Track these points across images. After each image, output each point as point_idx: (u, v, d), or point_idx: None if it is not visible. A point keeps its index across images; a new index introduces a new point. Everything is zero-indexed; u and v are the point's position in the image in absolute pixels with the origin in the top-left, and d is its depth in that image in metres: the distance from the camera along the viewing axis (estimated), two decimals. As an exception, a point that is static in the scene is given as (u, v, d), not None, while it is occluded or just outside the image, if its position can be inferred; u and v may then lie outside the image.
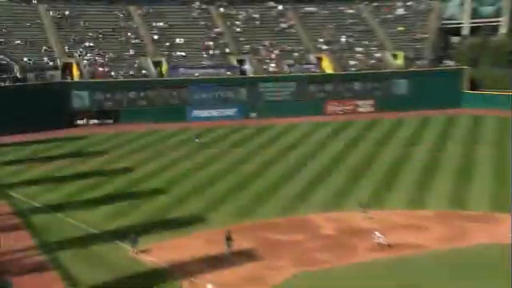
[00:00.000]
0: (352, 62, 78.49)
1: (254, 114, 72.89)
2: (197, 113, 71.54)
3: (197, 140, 59.26)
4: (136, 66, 72.88)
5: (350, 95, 75.95)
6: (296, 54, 78.46)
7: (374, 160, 52.46)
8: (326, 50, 79.74)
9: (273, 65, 76.41)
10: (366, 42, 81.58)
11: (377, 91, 76.40)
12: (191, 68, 73.66)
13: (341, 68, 77.70)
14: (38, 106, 62.90)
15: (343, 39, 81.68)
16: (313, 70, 76.95)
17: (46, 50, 71.85)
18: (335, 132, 64.61)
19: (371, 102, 76.04)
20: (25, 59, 68.94)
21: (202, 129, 65.44)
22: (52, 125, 63.73)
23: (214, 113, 71.95)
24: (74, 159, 53.63)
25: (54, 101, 64.96)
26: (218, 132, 65.07)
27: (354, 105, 75.86)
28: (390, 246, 33.43)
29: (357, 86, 76.04)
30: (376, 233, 34.00)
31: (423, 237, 35.14)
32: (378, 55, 79.90)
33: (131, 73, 71.69)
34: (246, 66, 76.52)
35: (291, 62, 76.99)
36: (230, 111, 72.59)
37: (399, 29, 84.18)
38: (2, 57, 67.83)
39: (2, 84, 64.79)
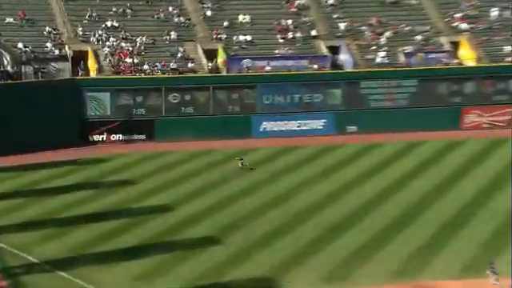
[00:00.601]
0: (507, 49, 77.74)
1: (353, 128, 73.37)
2: (267, 125, 72.58)
3: (242, 162, 60.34)
4: (180, 55, 74.45)
5: (504, 100, 75.51)
6: (418, 38, 78.43)
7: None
8: (465, 30, 79.43)
9: (382, 54, 76.63)
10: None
11: (547, 94, 75.83)
12: (260, 59, 74.73)
13: (489, 58, 77.15)
14: (38, 115, 64.88)
15: (494, 13, 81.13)
16: (445, 61, 76.71)
17: (49, 32, 73.77)
18: (477, 156, 64.12)
19: (536, 110, 75.41)
20: (19, 45, 70.76)
21: (275, 149, 66.27)
22: (58, 141, 64.98)
23: (293, 125, 72.81)
24: (89, 192, 55.03)
25: (61, 106, 66.59)
26: (298, 154, 65.59)
27: (509, 115, 75.20)
28: None
29: (515, 85, 75.63)
30: None
31: None
32: (550, 38, 79.07)
33: (172, 66, 73.13)
34: (342, 56, 77.02)
35: (411, 49, 77.06)
36: (317, 123, 73.29)
37: None
38: (-13, 43, 70.07)
39: (-12, 82, 66.98)
